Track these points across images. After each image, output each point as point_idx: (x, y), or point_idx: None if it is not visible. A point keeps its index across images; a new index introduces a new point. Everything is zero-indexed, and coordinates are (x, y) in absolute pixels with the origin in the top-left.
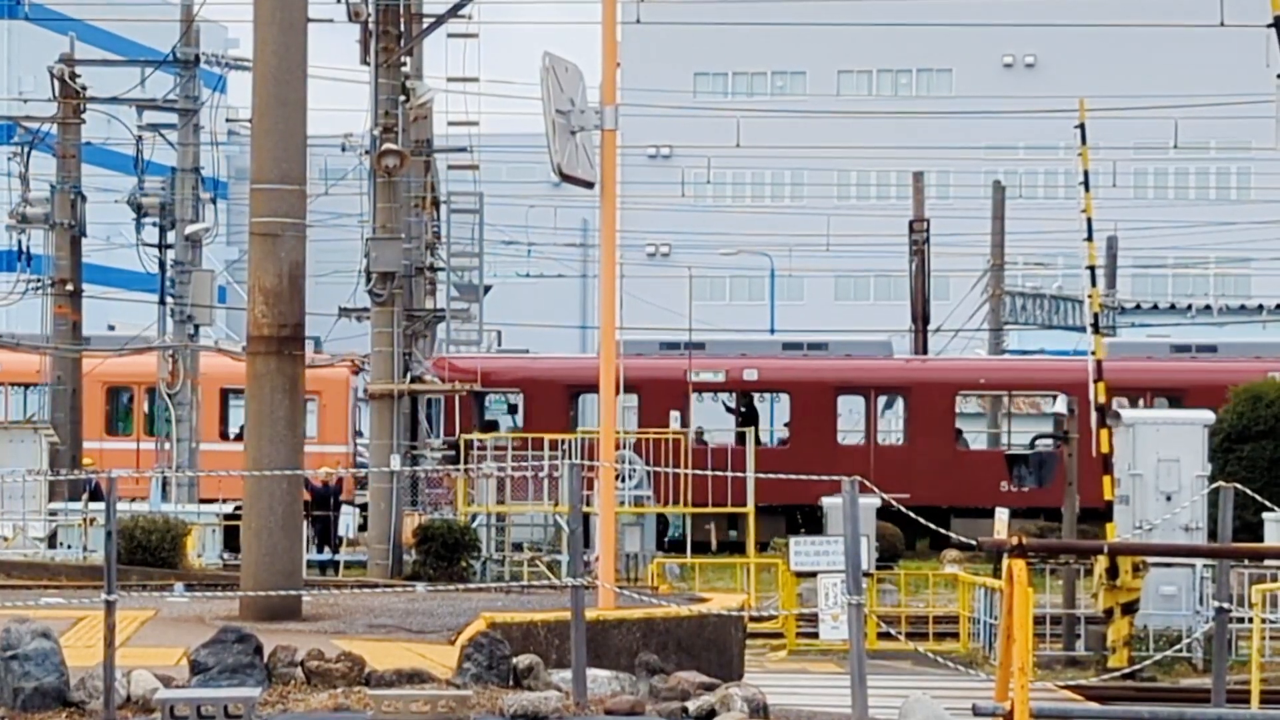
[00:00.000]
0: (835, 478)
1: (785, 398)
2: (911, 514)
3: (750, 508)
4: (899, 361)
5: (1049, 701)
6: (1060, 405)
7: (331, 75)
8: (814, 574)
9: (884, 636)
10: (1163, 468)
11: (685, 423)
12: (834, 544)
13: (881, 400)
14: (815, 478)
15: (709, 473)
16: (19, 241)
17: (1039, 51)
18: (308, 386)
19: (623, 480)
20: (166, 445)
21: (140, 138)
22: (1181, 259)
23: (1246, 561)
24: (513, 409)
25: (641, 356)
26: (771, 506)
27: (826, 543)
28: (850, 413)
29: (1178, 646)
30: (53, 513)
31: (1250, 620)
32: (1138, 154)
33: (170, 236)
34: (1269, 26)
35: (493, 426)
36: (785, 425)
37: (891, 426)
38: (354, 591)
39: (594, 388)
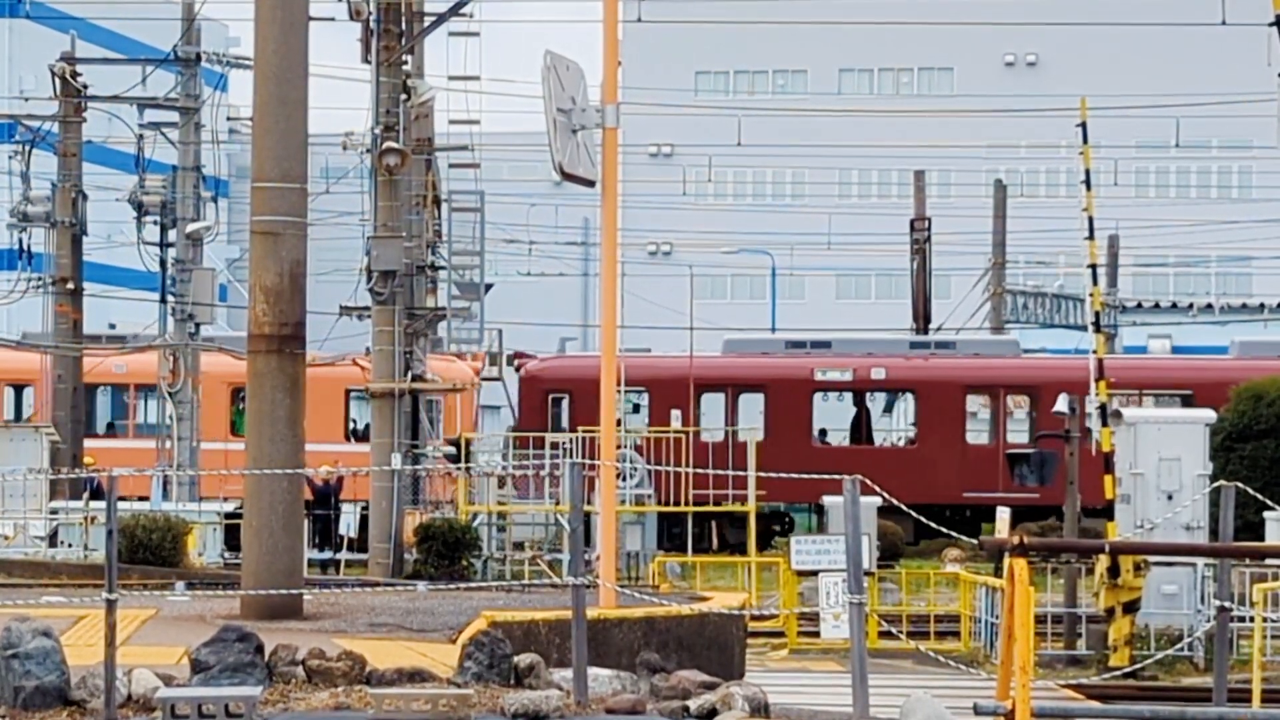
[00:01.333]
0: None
1: (910, 397)
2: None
3: (752, 507)
4: (1028, 360)
5: (1050, 700)
6: (1062, 404)
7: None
8: (815, 573)
9: (885, 635)
10: (1164, 467)
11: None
12: (835, 543)
13: (1010, 400)
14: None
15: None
16: (20, 240)
17: (1040, 50)
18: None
19: (624, 479)
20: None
21: (141, 136)
22: (1183, 258)
23: (1248, 560)
24: (636, 408)
25: (767, 355)
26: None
27: (828, 541)
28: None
29: (1179, 645)
30: (54, 511)
31: (1251, 619)
32: (1139, 153)
33: (171, 235)
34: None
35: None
36: (912, 425)
37: (1019, 426)
38: (355, 590)
39: (719, 386)
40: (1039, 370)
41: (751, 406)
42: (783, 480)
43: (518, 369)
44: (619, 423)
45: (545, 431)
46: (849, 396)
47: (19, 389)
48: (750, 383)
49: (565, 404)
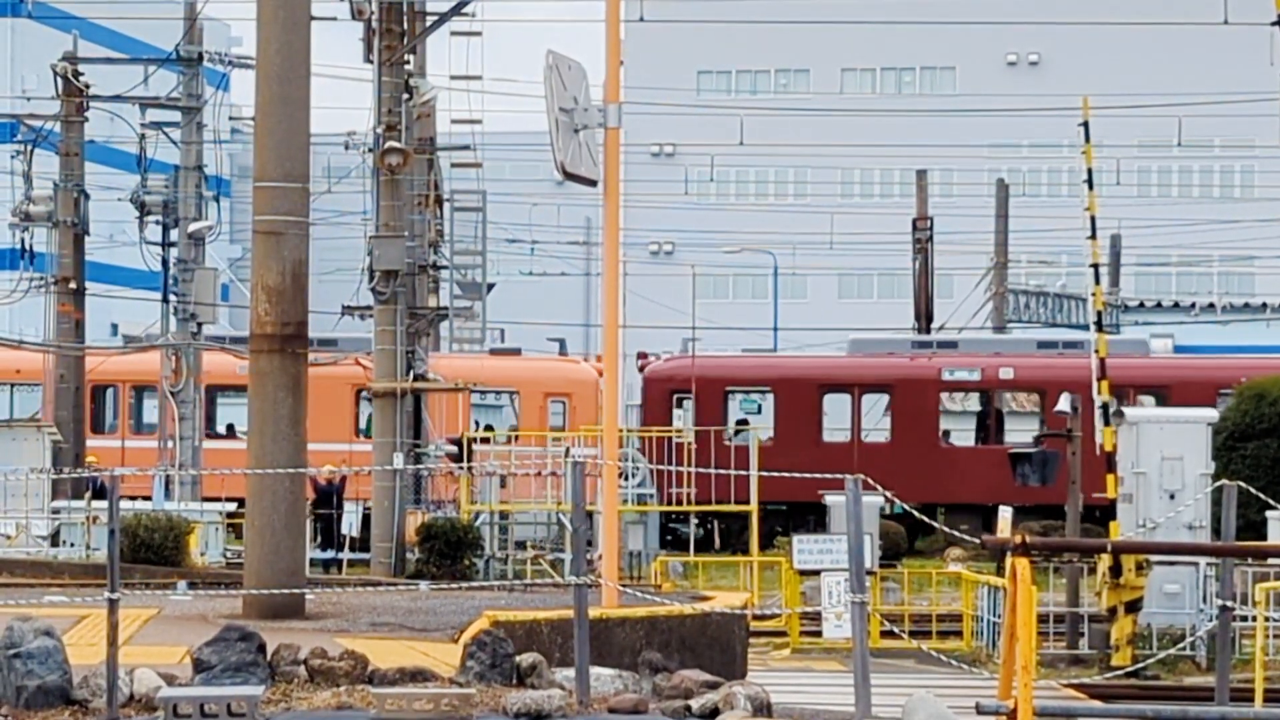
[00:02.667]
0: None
1: (1036, 397)
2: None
3: (754, 506)
4: (1157, 359)
5: (1053, 700)
6: (1064, 404)
7: (335, 73)
8: (817, 572)
9: (887, 635)
10: (1166, 466)
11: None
12: (837, 542)
13: (1139, 400)
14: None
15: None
16: (22, 240)
17: (1043, 49)
18: (557, 389)
19: (626, 478)
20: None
21: (143, 136)
22: (1185, 257)
23: (1250, 560)
24: (759, 409)
25: (893, 355)
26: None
27: (830, 541)
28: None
29: (1181, 645)
30: (55, 511)
31: (1254, 619)
32: (1141, 152)
33: (173, 234)
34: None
35: (743, 426)
36: (1041, 425)
37: None
38: (357, 590)
39: (843, 386)
40: (1168, 370)
41: (876, 407)
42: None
43: (642, 369)
44: (745, 423)
45: (670, 431)
46: (973, 397)
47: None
48: (876, 383)
49: (691, 404)
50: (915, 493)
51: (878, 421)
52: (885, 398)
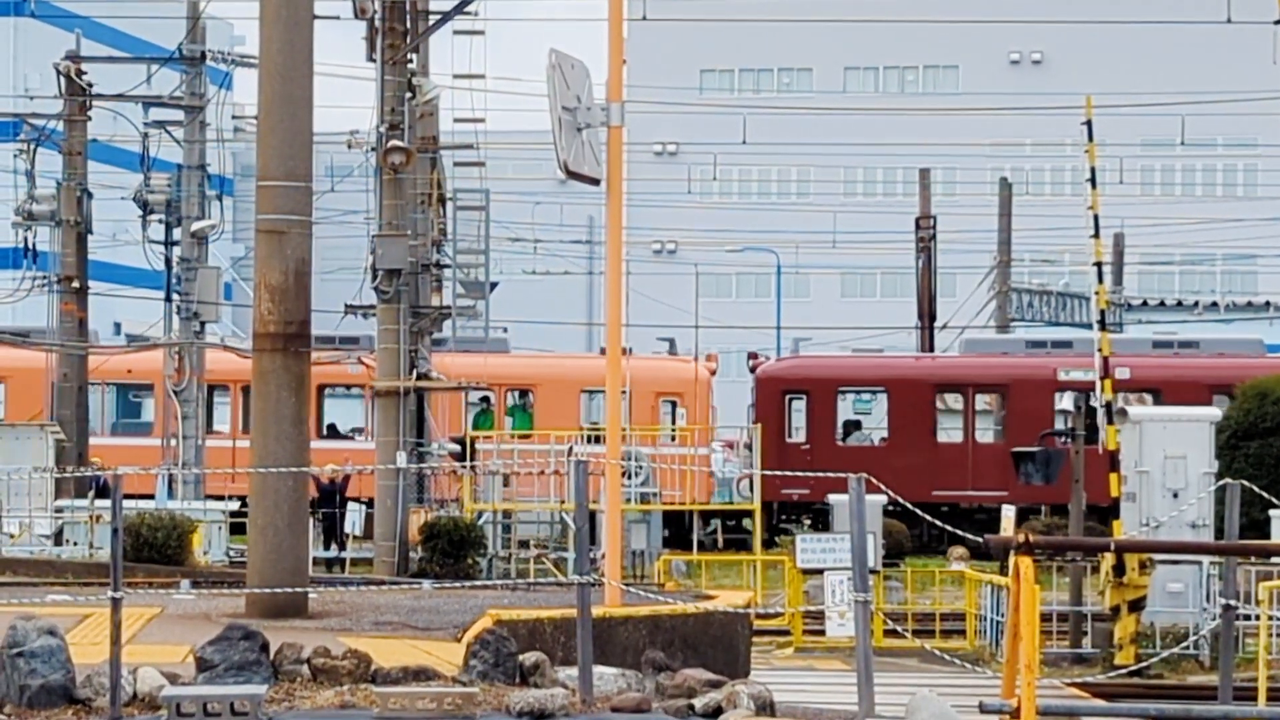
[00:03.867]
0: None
1: (1149, 397)
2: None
3: (757, 505)
4: (1273, 359)
5: (1056, 699)
6: (1068, 403)
7: (337, 72)
8: (820, 571)
9: (891, 634)
10: (1169, 465)
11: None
12: (840, 541)
13: None
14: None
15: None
16: (25, 239)
17: (1046, 48)
18: (669, 388)
19: (629, 477)
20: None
21: (146, 135)
22: (1188, 255)
23: (1253, 559)
24: (868, 411)
25: (1007, 355)
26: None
27: (833, 540)
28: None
29: (1184, 644)
30: (59, 510)
31: (1257, 617)
32: (1145, 150)
33: (176, 233)
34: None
35: (855, 426)
36: None
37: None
38: (360, 589)
39: (958, 386)
40: None
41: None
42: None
43: (753, 369)
44: (858, 424)
45: (783, 432)
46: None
47: None
48: (990, 383)
49: (803, 403)
50: (1029, 493)
51: (987, 422)
52: (998, 397)
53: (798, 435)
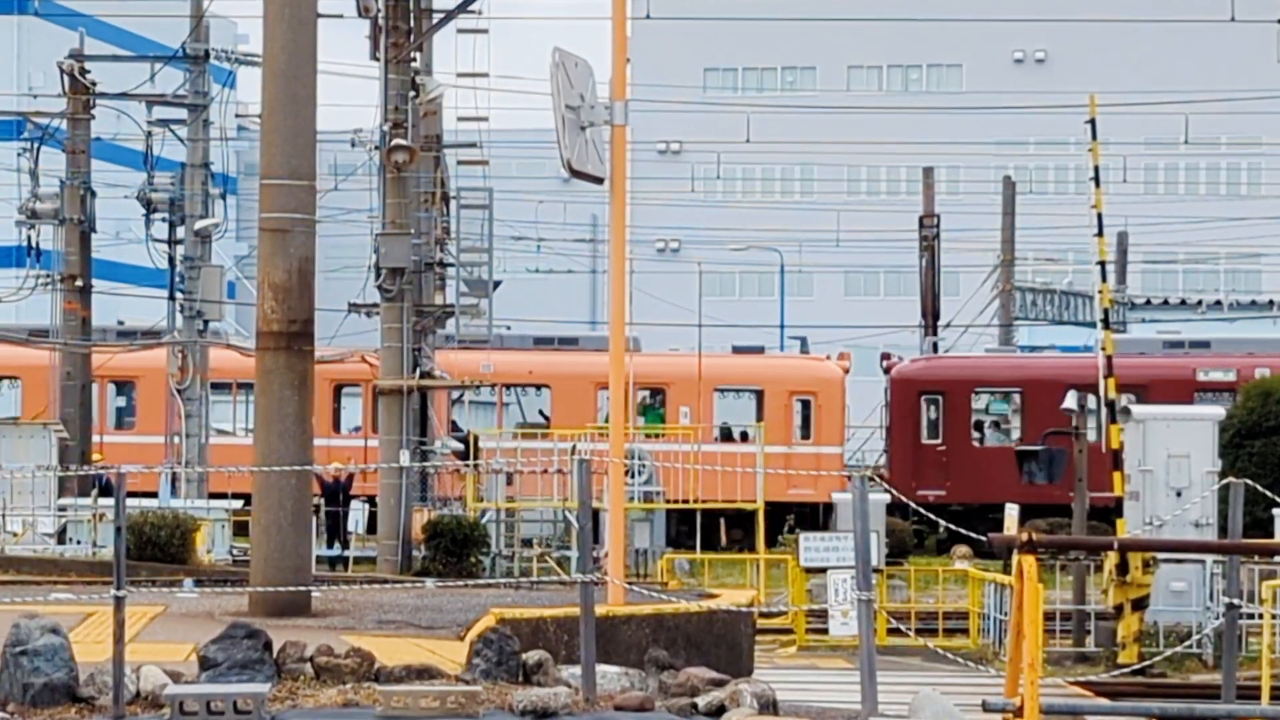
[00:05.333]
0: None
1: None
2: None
3: (760, 505)
4: None
5: (1059, 697)
6: (1070, 401)
7: (341, 71)
8: (824, 570)
9: (894, 632)
10: (1173, 463)
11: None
12: (844, 540)
13: None
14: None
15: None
16: (29, 237)
17: (1049, 47)
18: (803, 387)
19: (632, 476)
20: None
21: (150, 133)
22: (1192, 254)
23: (1257, 558)
24: (1004, 411)
25: (1144, 355)
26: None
27: (836, 539)
28: None
29: (1188, 642)
30: (62, 508)
31: (1260, 616)
32: (1148, 149)
33: (180, 232)
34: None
35: (992, 427)
36: None
37: None
38: (363, 587)
39: (1094, 387)
40: None
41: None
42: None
43: (887, 370)
44: (997, 425)
45: (918, 433)
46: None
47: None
48: (1128, 384)
49: (939, 404)
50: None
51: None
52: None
53: (933, 436)
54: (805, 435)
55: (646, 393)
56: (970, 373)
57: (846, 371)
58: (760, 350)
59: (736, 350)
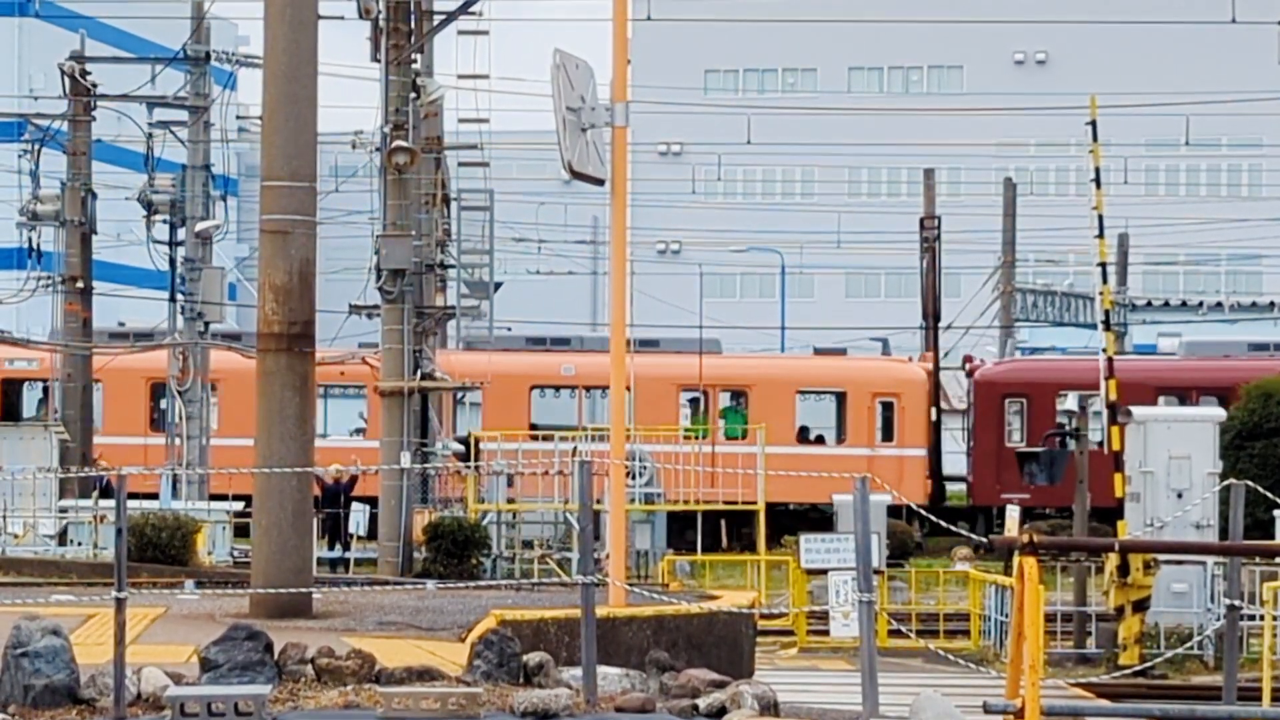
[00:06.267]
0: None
1: None
2: None
3: (761, 505)
4: None
5: (1060, 699)
6: (1071, 403)
7: (342, 72)
8: (824, 571)
9: (895, 634)
10: (1174, 465)
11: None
12: (845, 541)
13: None
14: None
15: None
16: (29, 239)
17: (1050, 48)
18: (886, 389)
19: (634, 478)
20: None
21: (151, 135)
22: (1193, 256)
23: (1258, 559)
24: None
25: (1229, 358)
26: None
27: (837, 540)
28: None
29: (1189, 644)
30: (63, 510)
31: (1261, 618)
32: (1149, 151)
33: (180, 234)
34: None
35: (1071, 436)
36: None
37: None
38: (364, 589)
39: (1179, 389)
40: None
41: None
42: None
43: (970, 373)
44: (1077, 434)
45: (1002, 436)
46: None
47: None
48: (1214, 386)
49: (1023, 407)
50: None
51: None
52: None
53: (1017, 438)
54: (887, 438)
55: (728, 395)
56: (1055, 375)
57: (929, 373)
58: (842, 352)
59: (818, 352)
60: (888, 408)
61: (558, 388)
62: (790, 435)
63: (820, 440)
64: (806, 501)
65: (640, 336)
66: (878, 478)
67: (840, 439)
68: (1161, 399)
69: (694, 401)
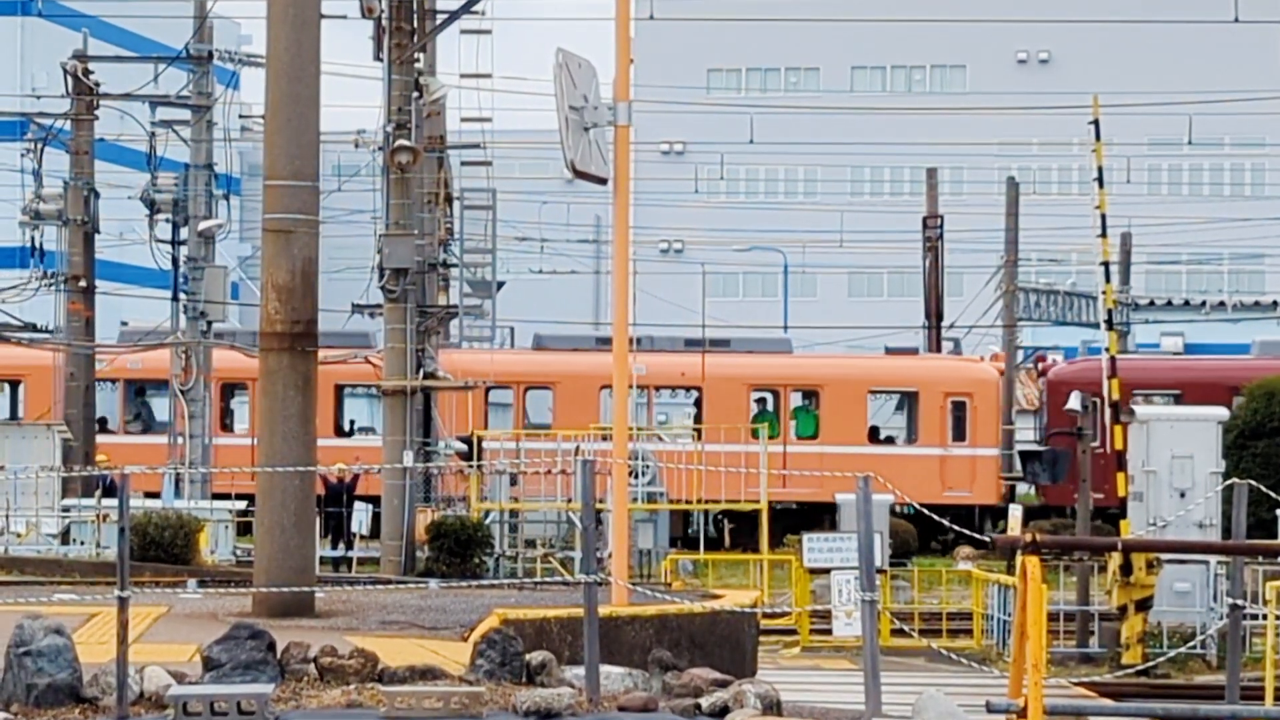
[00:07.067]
0: None
1: None
2: None
3: (764, 504)
4: None
5: (1063, 698)
6: (1074, 402)
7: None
8: (827, 570)
9: (898, 633)
10: (1177, 464)
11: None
12: (848, 540)
13: None
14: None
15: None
16: (32, 238)
17: (1053, 48)
18: (959, 389)
19: (636, 476)
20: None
21: (153, 134)
22: (1196, 255)
23: (1261, 558)
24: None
25: None
26: None
27: (840, 539)
28: None
29: (1192, 643)
30: (66, 509)
31: (1264, 617)
32: (1152, 150)
33: (183, 233)
34: None
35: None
36: None
37: None
38: (367, 588)
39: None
40: None
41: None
42: None
43: (1042, 372)
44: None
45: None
46: None
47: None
48: None
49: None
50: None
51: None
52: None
53: (1091, 439)
54: (959, 437)
55: (799, 395)
56: (1130, 374)
57: (1002, 373)
58: (914, 351)
59: (889, 351)
60: (959, 407)
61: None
62: (862, 435)
63: (890, 440)
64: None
65: (712, 336)
66: (950, 477)
67: (911, 439)
68: (1236, 399)
69: (762, 401)
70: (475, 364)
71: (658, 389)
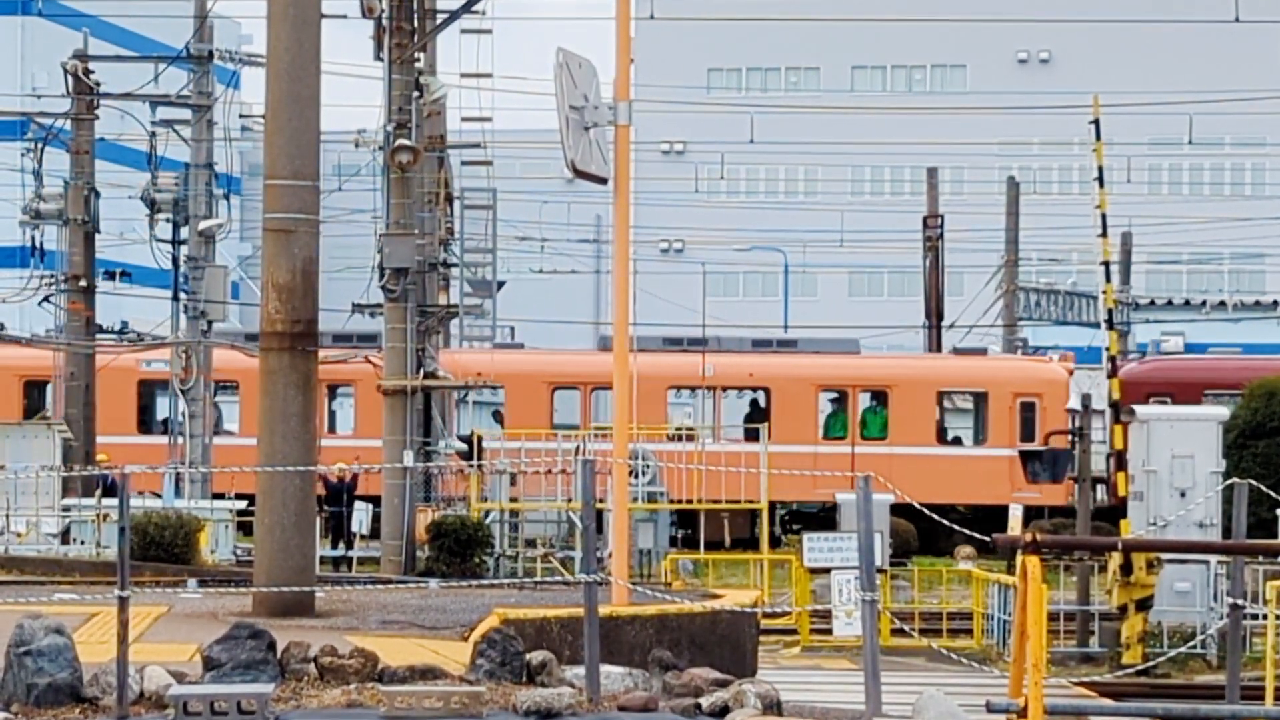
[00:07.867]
0: None
1: None
2: None
3: (764, 504)
4: None
5: (1063, 698)
6: (1075, 401)
7: (345, 71)
8: (828, 570)
9: (898, 633)
10: (1177, 464)
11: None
12: (848, 540)
13: None
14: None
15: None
16: (33, 237)
17: (1053, 47)
18: (1027, 389)
19: (636, 476)
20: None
21: (154, 134)
22: (1196, 255)
23: (1261, 558)
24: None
25: None
26: None
27: (840, 539)
28: None
29: (1192, 643)
30: (66, 508)
31: (1264, 617)
32: (1152, 149)
33: (184, 232)
34: None
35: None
36: None
37: None
38: (367, 588)
39: None
40: None
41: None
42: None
43: (1112, 372)
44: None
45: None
46: None
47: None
48: None
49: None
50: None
51: None
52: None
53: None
54: (1028, 438)
55: (868, 396)
56: (1199, 374)
57: (1070, 374)
58: (983, 352)
59: (957, 352)
60: (1028, 408)
61: (694, 388)
62: (930, 436)
63: (958, 441)
64: (946, 502)
65: (779, 337)
66: (1019, 478)
67: (980, 439)
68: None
69: (835, 401)
70: (539, 363)
71: (725, 389)
